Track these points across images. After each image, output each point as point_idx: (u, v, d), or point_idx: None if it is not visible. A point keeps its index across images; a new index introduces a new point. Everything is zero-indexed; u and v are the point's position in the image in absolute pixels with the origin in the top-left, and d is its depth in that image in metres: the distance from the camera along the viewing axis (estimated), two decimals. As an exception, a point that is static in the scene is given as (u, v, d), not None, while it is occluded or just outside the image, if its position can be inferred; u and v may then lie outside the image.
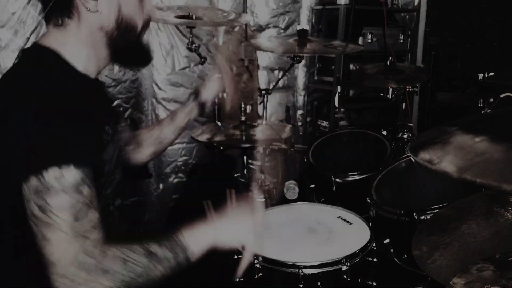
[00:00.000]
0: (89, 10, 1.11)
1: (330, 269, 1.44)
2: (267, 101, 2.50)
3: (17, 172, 0.98)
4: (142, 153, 1.59)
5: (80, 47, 1.15)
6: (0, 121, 1.02)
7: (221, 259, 1.65)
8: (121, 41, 1.19)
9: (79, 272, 0.96)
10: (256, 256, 1.47)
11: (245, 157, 2.29)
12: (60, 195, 0.97)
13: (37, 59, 1.13)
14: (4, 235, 1.11)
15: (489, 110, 1.95)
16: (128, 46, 1.22)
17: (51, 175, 0.96)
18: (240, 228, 1.24)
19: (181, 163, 3.08)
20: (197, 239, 1.14)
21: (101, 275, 0.98)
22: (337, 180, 2.13)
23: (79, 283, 0.97)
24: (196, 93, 1.63)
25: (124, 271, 1.00)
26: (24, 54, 1.17)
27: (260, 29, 3.25)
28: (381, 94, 3.66)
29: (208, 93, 1.64)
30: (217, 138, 2.19)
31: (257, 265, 1.47)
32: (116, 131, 1.36)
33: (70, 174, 0.98)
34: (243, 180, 2.31)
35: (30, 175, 0.96)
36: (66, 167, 0.97)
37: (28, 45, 2.34)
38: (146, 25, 1.25)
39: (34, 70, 1.09)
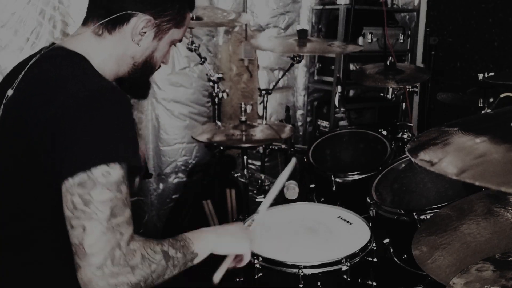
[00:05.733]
0: (133, 41, 1.22)
1: (330, 269, 1.44)
2: (267, 101, 2.50)
3: (64, 169, 1.01)
4: None
5: (107, 59, 1.22)
6: (43, 120, 1.05)
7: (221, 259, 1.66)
8: (139, 74, 1.29)
9: (112, 265, 1.00)
10: (256, 256, 1.47)
11: (245, 157, 2.29)
12: (104, 191, 1.00)
13: (73, 61, 1.16)
14: (44, 230, 1.13)
15: (489, 110, 1.95)
16: (140, 80, 1.33)
17: (99, 171, 1.00)
18: (240, 238, 1.33)
19: (181, 163, 3.08)
20: (202, 243, 1.22)
21: (128, 270, 1.02)
22: (337, 180, 2.13)
23: (110, 276, 1.00)
24: None
25: (142, 266, 1.05)
26: (52, 55, 1.18)
27: (260, 29, 3.25)
28: (381, 94, 3.66)
29: None
30: (217, 138, 2.19)
31: (257, 265, 1.47)
32: None
33: (115, 172, 1.02)
34: (243, 180, 2.31)
35: (79, 171, 0.99)
36: (112, 165, 1.01)
37: (29, 45, 2.38)
38: (158, 68, 1.36)
39: (74, 72, 1.13)
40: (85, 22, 1.23)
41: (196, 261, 1.20)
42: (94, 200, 1.00)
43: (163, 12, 1.22)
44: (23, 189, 1.10)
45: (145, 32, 1.22)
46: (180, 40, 1.34)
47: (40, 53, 1.20)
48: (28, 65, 1.16)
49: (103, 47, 1.21)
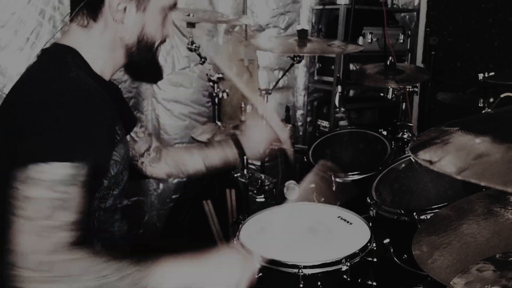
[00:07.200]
0: (115, 20, 1.16)
1: (330, 269, 1.44)
2: (267, 101, 2.50)
3: (8, 164, 1.00)
4: (158, 169, 1.55)
5: (99, 50, 1.19)
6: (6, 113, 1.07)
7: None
8: (137, 56, 1.24)
9: (42, 269, 0.94)
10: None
11: (245, 157, 2.29)
12: (40, 190, 0.97)
13: (61, 55, 1.15)
14: None
15: (489, 110, 1.95)
16: (143, 62, 1.27)
17: (37, 169, 0.96)
18: (228, 276, 1.16)
19: (181, 163, 3.07)
20: (177, 276, 1.08)
21: (62, 277, 0.95)
22: (337, 180, 2.13)
23: (41, 281, 0.94)
24: (235, 137, 1.56)
25: (85, 278, 0.97)
26: (44, 52, 1.19)
27: (260, 29, 3.25)
28: (381, 94, 3.66)
29: (252, 143, 1.57)
30: (217, 138, 2.19)
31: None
32: (125, 135, 1.34)
33: (54, 171, 0.98)
34: (243, 180, 2.31)
35: (22, 168, 0.97)
36: (53, 163, 0.98)
37: (29, 45, 2.38)
38: (161, 43, 1.29)
39: (52, 65, 1.12)
40: (72, 19, 1.19)
41: None
42: (30, 199, 0.96)
43: None
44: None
45: (124, 8, 1.16)
46: (175, 5, 1.25)
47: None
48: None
49: (93, 38, 1.17)
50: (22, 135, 1.01)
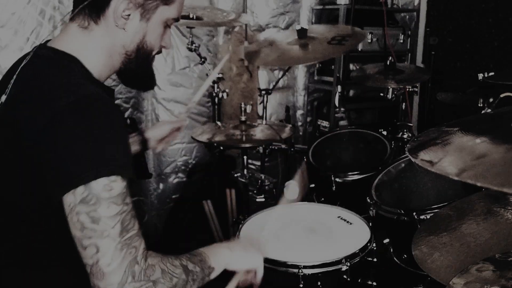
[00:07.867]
0: (117, 26, 1.14)
1: (330, 269, 1.44)
2: (267, 101, 2.50)
3: (61, 184, 0.97)
4: None
5: (99, 54, 1.16)
6: (37, 131, 0.99)
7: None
8: (135, 63, 1.22)
9: (134, 281, 0.97)
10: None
11: (245, 157, 2.29)
12: (111, 206, 0.97)
13: (61, 65, 1.11)
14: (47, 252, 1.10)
15: (489, 110, 1.95)
16: (139, 69, 1.25)
17: (100, 185, 0.96)
18: (251, 251, 1.31)
19: (181, 163, 3.08)
20: (217, 257, 1.20)
21: (150, 285, 1.00)
22: (337, 180, 2.13)
23: None
24: (141, 131, 1.68)
25: (164, 280, 1.03)
26: (41, 57, 1.13)
27: (260, 29, 3.25)
28: (381, 94, 3.65)
29: (153, 133, 1.69)
30: (217, 138, 2.19)
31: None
32: None
33: (117, 185, 0.98)
34: (243, 180, 2.31)
35: (78, 185, 0.95)
36: (114, 177, 0.97)
37: (29, 45, 2.38)
38: (158, 53, 1.27)
39: (63, 78, 1.07)
40: (72, 18, 1.15)
41: (213, 275, 1.18)
42: (102, 216, 0.96)
43: None
44: (21, 199, 1.05)
45: (128, 15, 1.13)
46: (177, 20, 1.24)
47: (31, 53, 1.14)
48: (19, 68, 1.11)
49: (92, 41, 1.14)
50: (62, 154, 0.97)
